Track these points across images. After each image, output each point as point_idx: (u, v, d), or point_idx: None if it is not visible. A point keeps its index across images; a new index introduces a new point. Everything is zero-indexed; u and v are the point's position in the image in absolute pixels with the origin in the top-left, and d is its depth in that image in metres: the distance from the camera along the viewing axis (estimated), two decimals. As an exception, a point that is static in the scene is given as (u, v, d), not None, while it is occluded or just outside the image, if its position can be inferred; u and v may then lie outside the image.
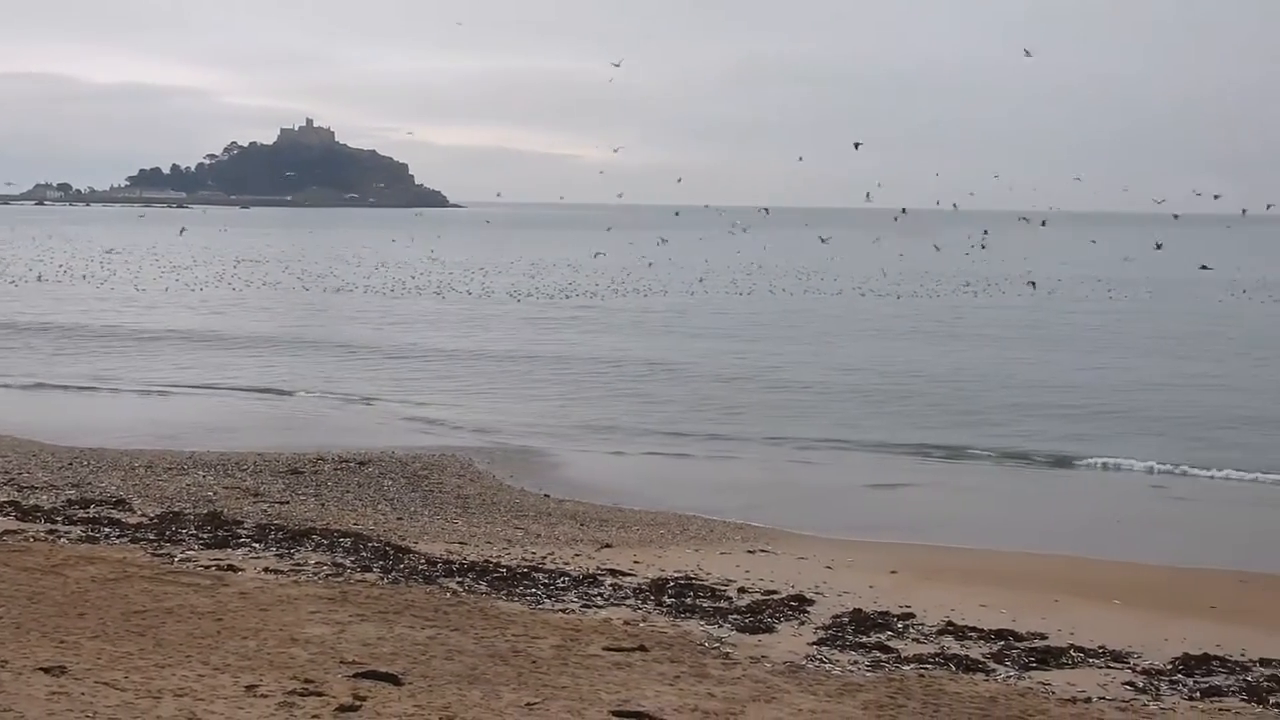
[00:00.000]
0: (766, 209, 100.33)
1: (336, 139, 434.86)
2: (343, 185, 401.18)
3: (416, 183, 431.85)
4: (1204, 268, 72.95)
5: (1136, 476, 29.50)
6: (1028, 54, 62.29)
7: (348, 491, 24.87)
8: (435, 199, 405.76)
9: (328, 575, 17.29)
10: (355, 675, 12.20)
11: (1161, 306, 74.27)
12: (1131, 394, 41.36)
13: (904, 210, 68.19)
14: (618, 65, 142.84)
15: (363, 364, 47.80)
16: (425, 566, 18.31)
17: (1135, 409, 38.53)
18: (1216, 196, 52.80)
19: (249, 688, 11.56)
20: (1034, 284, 71.20)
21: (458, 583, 17.37)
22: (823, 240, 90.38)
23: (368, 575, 17.44)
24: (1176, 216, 75.99)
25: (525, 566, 18.83)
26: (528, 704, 11.71)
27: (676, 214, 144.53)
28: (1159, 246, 69.15)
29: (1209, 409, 38.56)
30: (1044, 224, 73.22)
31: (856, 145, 55.07)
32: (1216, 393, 41.87)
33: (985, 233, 77.59)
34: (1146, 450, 31.53)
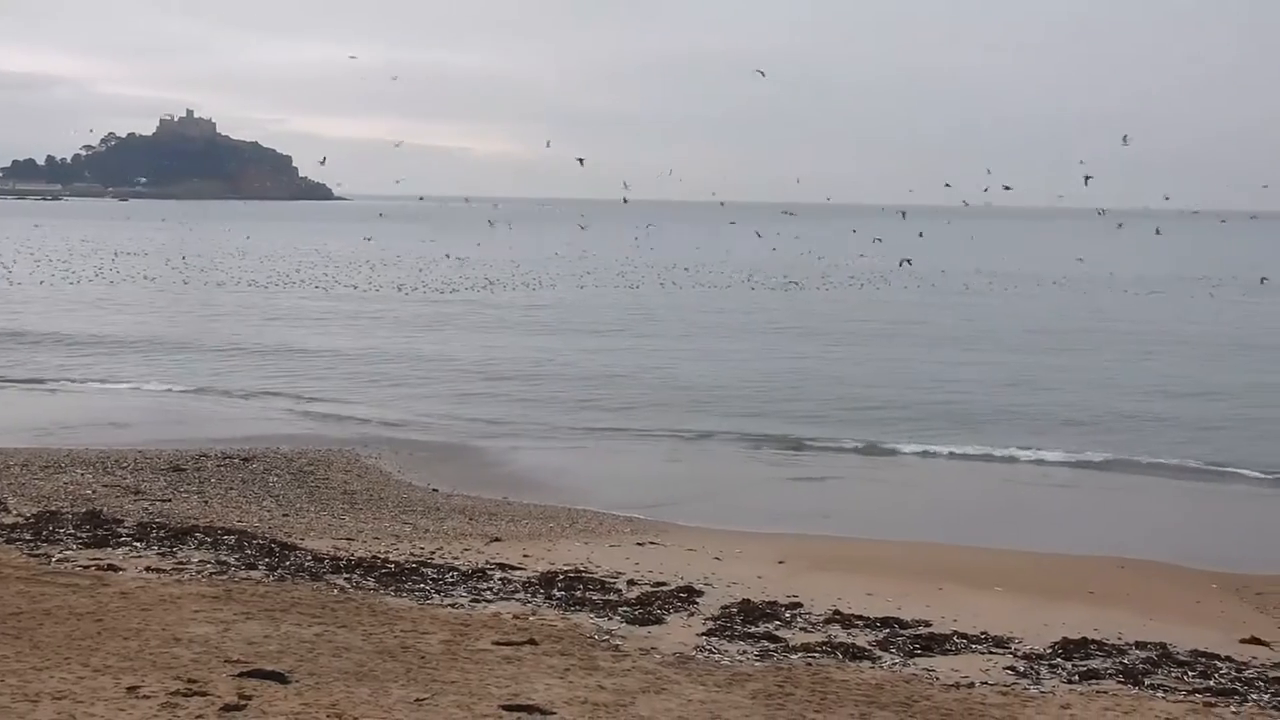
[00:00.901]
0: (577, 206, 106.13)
1: (218, 130, 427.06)
2: (225, 177, 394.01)
3: (301, 175, 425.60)
4: (905, 262, 76.22)
5: (1019, 466, 30.09)
6: (761, 74, 65.37)
7: (231, 488, 24.49)
8: (320, 192, 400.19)
9: (211, 573, 17.01)
10: (240, 674, 12.02)
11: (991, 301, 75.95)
12: (1010, 388, 42.23)
13: (625, 200, 71.74)
14: (353, 58, 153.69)
15: (246, 359, 47.08)
16: (312, 563, 18.10)
17: (1014, 402, 39.32)
18: (947, 185, 54.93)
19: (130, 689, 11.34)
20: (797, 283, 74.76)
21: (345, 579, 17.20)
22: (581, 228, 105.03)
23: (253, 573, 17.18)
24: (904, 214, 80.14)
25: (413, 562, 18.69)
26: (417, 700, 11.63)
27: (421, 199, 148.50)
28: (880, 239, 74.23)
29: (1087, 401, 39.49)
30: (790, 214, 78.02)
31: (580, 161, 57.93)
32: (1092, 386, 42.89)
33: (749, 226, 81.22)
34: (1030, 441, 32.22)
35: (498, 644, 13.93)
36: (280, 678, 12.00)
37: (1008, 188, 54.41)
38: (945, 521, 24.47)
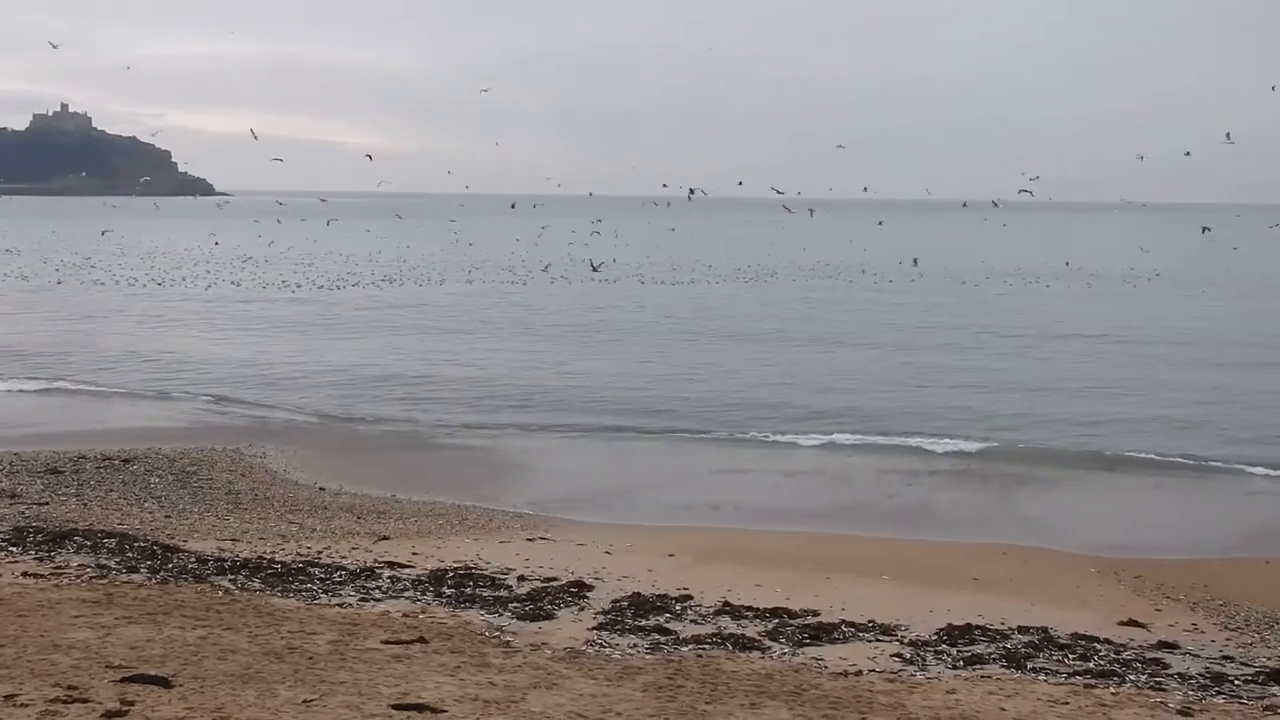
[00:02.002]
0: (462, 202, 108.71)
1: (95, 125, 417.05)
2: (102, 173, 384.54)
3: (181, 170, 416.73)
4: (595, 267, 78.81)
5: (905, 457, 30.48)
6: (484, 91, 68.61)
7: (112, 490, 23.97)
8: (201, 187, 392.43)
9: (91, 577, 16.62)
10: (122, 679, 11.76)
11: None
12: (897, 382, 42.87)
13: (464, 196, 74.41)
14: (55, 47, 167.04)
15: (126, 359, 46.05)
16: (195, 565, 17.78)
17: (901, 396, 39.88)
18: (692, 192, 57.09)
19: (7, 697, 11.03)
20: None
21: (230, 580, 16.92)
22: (451, 221, 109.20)
23: (134, 576, 16.83)
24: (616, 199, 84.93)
25: (300, 561, 18.46)
26: (305, 701, 11.47)
27: (222, 203, 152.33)
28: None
29: (971, 395, 40.20)
30: (534, 206, 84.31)
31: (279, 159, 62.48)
32: (976, 380, 43.68)
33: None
34: (915, 433, 32.69)
35: (387, 643, 13.80)
36: (163, 682, 11.77)
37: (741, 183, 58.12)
38: (832, 512, 24.72)
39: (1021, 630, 16.08)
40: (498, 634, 14.75)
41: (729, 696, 12.44)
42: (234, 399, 37.70)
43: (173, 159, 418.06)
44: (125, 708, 10.88)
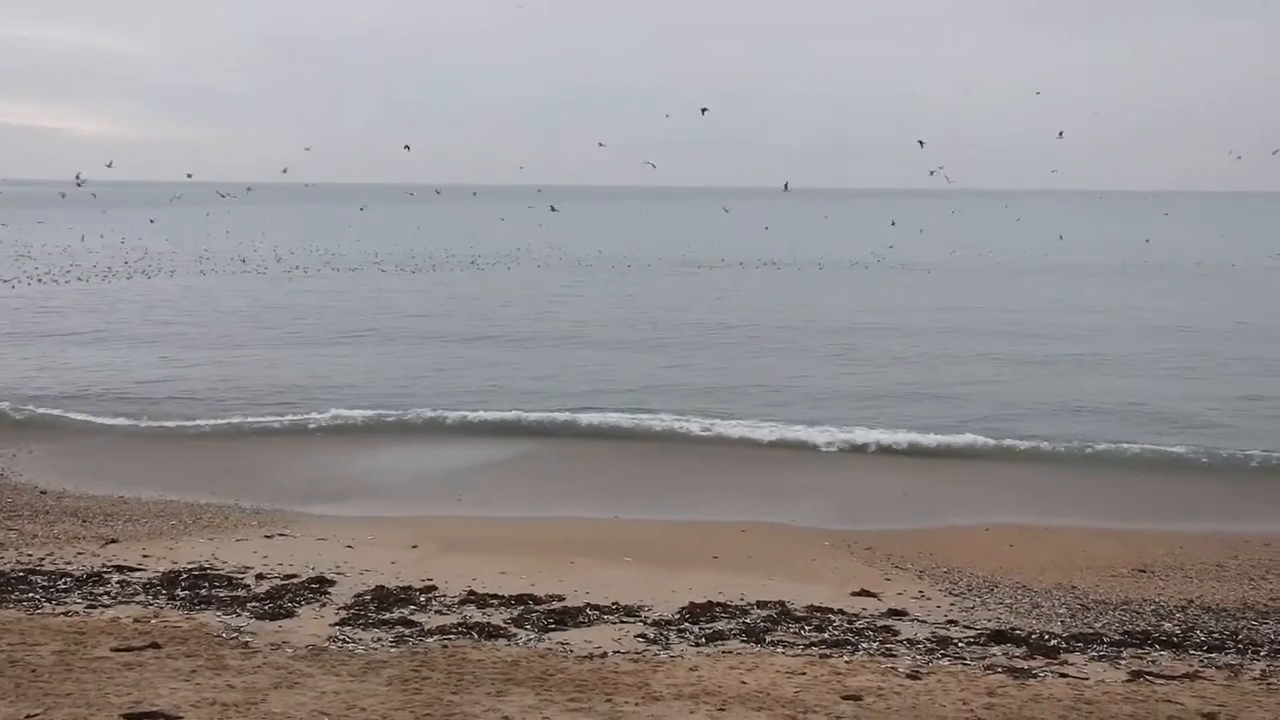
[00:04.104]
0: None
1: None
2: None
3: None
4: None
5: (647, 440, 30.90)
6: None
7: None
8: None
9: None
10: None
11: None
12: (648, 365, 43.47)
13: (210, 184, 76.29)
14: None
15: None
16: (-97, 578, 16.73)
17: (649, 378, 40.44)
18: (286, 177, 58.59)
19: None
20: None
21: (-58, 593, 15.98)
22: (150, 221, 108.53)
23: None
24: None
25: (21, 570, 17.58)
26: (28, 716, 10.92)
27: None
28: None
29: (716, 375, 41.08)
30: (308, 186, 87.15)
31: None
32: (720, 361, 44.69)
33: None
34: (657, 412, 33.16)
35: (117, 650, 13.27)
36: None
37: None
38: (575, 497, 24.89)
39: (760, 605, 16.55)
40: (235, 635, 14.35)
41: (475, 685, 12.40)
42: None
43: None
44: None
